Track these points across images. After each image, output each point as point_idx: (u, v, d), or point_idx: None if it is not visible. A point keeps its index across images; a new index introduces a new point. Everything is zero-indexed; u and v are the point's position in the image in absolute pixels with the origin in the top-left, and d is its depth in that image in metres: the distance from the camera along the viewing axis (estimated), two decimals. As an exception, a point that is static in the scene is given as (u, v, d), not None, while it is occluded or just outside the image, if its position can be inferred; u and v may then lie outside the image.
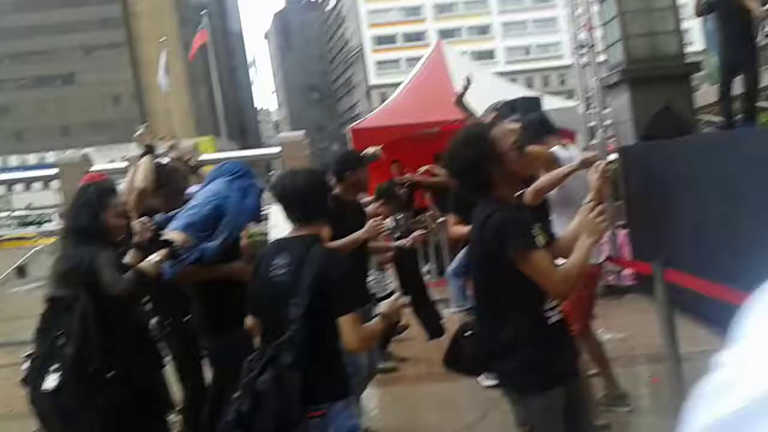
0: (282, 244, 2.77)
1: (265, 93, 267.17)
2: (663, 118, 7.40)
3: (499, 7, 75.97)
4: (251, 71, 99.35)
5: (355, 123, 11.27)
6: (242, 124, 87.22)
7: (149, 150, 3.95)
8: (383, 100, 17.10)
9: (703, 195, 5.45)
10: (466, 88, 5.09)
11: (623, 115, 7.98)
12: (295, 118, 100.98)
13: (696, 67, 8.38)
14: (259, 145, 74.33)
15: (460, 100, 5.05)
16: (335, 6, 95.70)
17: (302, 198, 2.71)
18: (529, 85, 53.16)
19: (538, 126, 4.28)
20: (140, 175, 3.84)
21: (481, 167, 2.47)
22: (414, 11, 77.63)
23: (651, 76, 7.75)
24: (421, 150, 6.22)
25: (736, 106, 6.89)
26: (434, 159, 7.70)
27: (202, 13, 36.79)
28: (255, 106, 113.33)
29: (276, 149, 6.93)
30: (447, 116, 8.93)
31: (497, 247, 2.42)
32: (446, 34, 61.84)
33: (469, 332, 2.70)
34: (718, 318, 4.33)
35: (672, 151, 6.38)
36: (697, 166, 5.66)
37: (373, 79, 76.51)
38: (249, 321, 2.94)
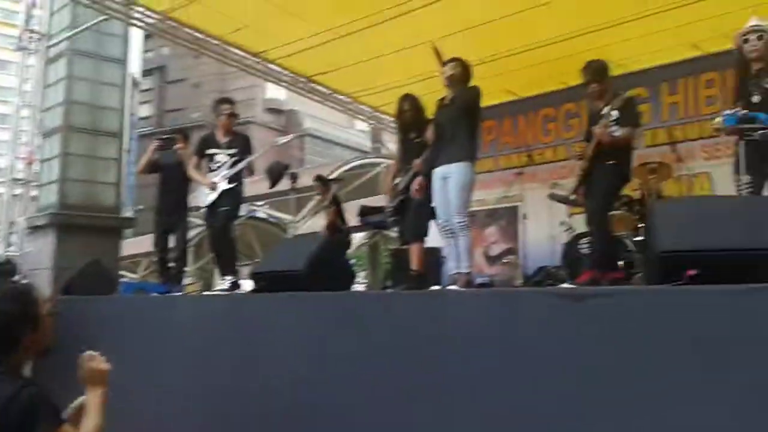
0: None
1: None
2: (91, 272, 6.89)
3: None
4: None
5: None
6: None
7: None
8: None
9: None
10: None
11: (44, 261, 7.21)
12: None
13: (130, 222, 8.29)
14: None
15: None
16: None
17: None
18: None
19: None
20: None
21: (15, 327, 2.25)
22: None
23: (83, 224, 7.32)
24: None
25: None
26: None
27: None
28: None
29: None
30: None
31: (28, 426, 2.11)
32: None
33: None
34: None
35: (102, 307, 5.87)
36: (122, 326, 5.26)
37: None
38: None
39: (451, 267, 4.85)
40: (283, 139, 6.13)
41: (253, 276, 4.83)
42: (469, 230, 4.72)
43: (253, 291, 4.68)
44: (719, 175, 6.75)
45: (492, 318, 3.20)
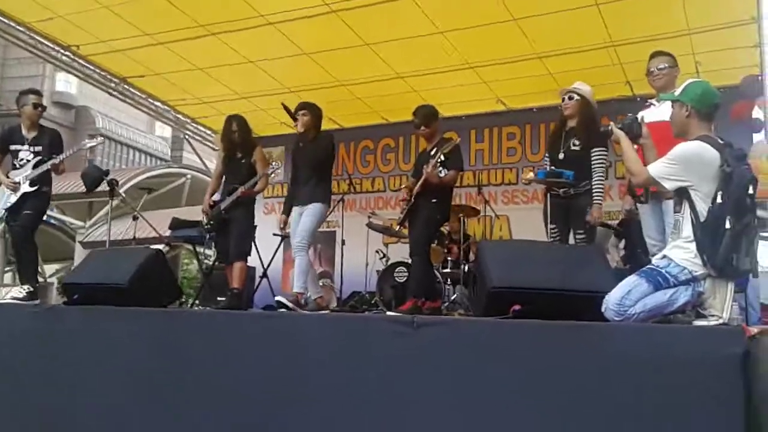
0: None
1: None
2: None
3: None
4: None
5: None
6: None
7: None
8: None
9: None
10: None
11: None
12: None
13: None
14: None
15: None
16: None
17: None
18: None
19: None
20: None
21: None
22: None
23: None
24: None
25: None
26: None
27: None
28: None
29: None
30: None
31: None
32: None
33: None
34: None
35: None
36: None
37: None
38: None
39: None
40: (91, 143, 5.68)
41: (66, 287, 4.47)
42: (306, 253, 4.91)
43: (66, 303, 4.33)
44: (516, 218, 7.59)
45: (335, 343, 3.33)
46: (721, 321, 2.95)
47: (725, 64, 6.45)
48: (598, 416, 2.70)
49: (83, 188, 6.81)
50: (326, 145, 5.35)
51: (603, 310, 3.06)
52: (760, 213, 4.44)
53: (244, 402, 3.34)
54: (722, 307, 2.99)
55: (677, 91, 3.35)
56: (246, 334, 3.54)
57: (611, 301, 3.04)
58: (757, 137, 6.45)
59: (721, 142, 3.11)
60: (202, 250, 7.93)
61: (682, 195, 3.14)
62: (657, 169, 3.15)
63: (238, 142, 5.53)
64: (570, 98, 4.75)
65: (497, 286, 3.17)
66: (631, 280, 3.08)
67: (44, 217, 5.76)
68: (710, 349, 2.58)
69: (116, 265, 4.40)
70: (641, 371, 2.67)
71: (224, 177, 5.65)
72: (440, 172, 5.03)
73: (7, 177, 5.40)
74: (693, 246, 3.05)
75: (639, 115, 3.68)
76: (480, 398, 2.87)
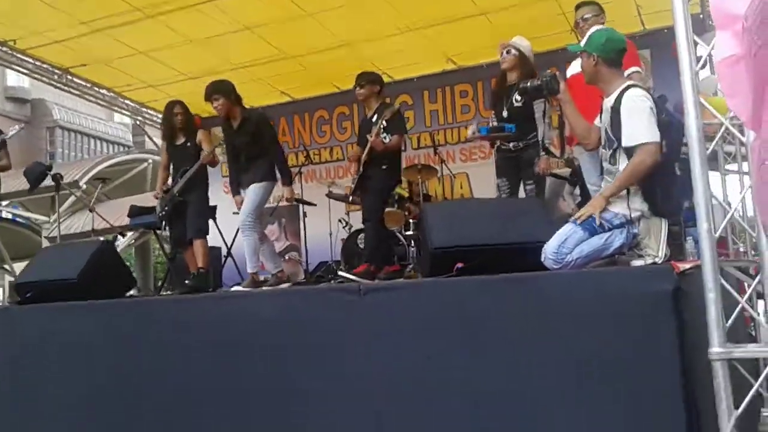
0: None
1: None
2: None
3: None
4: None
5: None
6: None
7: None
8: None
9: None
10: None
11: None
12: None
13: None
14: None
15: None
16: None
17: None
18: None
19: None
20: None
21: None
22: None
23: None
24: None
25: None
26: None
27: None
28: None
29: None
30: None
31: None
32: None
33: None
34: None
35: None
36: None
37: None
38: None
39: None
40: (12, 132, 5.57)
41: (18, 286, 4.43)
42: (253, 232, 4.86)
43: (19, 303, 4.30)
44: (475, 174, 7.63)
45: (288, 317, 3.35)
46: (656, 259, 3.02)
47: (666, 5, 6.38)
48: (545, 361, 2.77)
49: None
50: (254, 129, 5.09)
51: (542, 259, 3.12)
52: (727, 148, 4.55)
53: (201, 384, 3.38)
54: (657, 246, 3.06)
55: (583, 41, 3.38)
56: (199, 317, 3.55)
57: (549, 250, 3.10)
58: (703, 73, 6.52)
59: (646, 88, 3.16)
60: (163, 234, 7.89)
61: (615, 147, 3.17)
62: (649, 133, 3.04)
63: (180, 127, 5.48)
64: (508, 53, 4.74)
65: (438, 246, 3.21)
66: (567, 229, 3.14)
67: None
68: (643, 287, 2.64)
69: (66, 259, 4.36)
70: (581, 314, 2.73)
71: (172, 165, 5.59)
72: (384, 138, 5.03)
73: None
74: (624, 192, 3.10)
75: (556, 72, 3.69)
76: (427, 357, 2.93)
